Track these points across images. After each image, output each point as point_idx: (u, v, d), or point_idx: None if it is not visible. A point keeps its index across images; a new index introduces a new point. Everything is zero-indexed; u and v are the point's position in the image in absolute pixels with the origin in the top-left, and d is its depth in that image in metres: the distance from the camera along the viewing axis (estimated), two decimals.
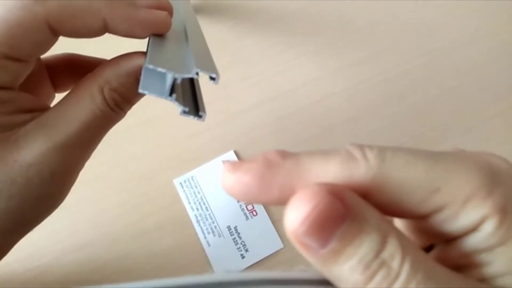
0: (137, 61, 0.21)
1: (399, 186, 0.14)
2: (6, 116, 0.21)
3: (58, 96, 0.27)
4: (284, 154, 0.14)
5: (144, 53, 0.22)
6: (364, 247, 0.13)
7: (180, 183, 0.39)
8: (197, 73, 0.17)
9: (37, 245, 0.37)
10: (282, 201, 0.14)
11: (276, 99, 0.43)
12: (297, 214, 0.13)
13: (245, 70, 0.44)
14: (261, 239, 0.37)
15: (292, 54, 0.45)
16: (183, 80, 0.18)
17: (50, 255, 0.36)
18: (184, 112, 0.18)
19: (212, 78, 0.18)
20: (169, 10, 0.23)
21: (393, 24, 0.47)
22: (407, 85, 0.44)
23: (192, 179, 0.39)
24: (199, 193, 0.39)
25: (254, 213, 0.38)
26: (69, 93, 0.22)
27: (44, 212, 0.23)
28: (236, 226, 0.38)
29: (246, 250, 0.37)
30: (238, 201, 0.38)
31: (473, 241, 0.14)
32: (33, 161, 0.20)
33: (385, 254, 0.13)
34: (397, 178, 0.14)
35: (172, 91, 0.18)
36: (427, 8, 0.48)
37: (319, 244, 0.13)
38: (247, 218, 0.38)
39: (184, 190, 0.39)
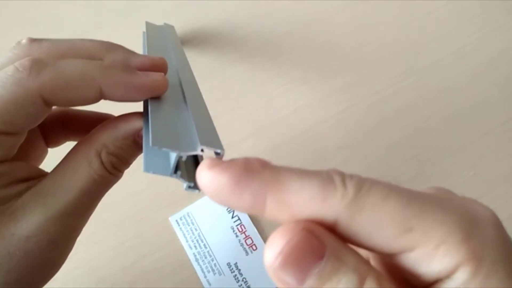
0: (135, 124, 0.21)
1: (371, 220, 0.14)
2: (2, 189, 0.20)
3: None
4: (265, 164, 0.14)
5: (141, 114, 0.22)
6: (341, 287, 0.13)
7: (176, 221, 0.39)
8: (202, 150, 0.17)
9: None
10: (252, 209, 0.14)
11: (268, 128, 0.43)
12: (272, 249, 0.13)
13: (235, 100, 0.44)
14: (263, 274, 0.36)
15: (281, 81, 0.45)
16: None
17: None
18: (189, 187, 0.18)
19: (217, 154, 0.17)
20: (164, 68, 0.22)
21: (380, 45, 0.47)
22: (397, 107, 0.44)
23: (188, 216, 0.39)
24: (196, 230, 0.38)
25: (254, 247, 0.37)
26: (64, 159, 0.21)
27: (43, 279, 0.22)
28: (236, 263, 0.37)
29: (248, 287, 0.36)
30: (235, 235, 0.38)
31: None
32: (31, 233, 0.20)
33: None
34: (370, 211, 0.14)
35: (176, 168, 0.18)
36: (412, 28, 0.48)
37: (295, 280, 0.13)
38: (247, 253, 0.37)
39: (180, 228, 0.38)
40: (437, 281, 0.14)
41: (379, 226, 0.14)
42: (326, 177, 0.14)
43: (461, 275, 0.13)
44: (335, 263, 0.13)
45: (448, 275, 0.14)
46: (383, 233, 0.14)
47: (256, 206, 0.14)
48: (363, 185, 0.14)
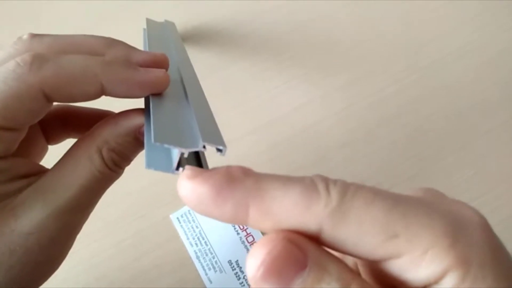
0: (136, 120, 0.21)
1: (355, 227, 0.13)
2: (2, 185, 0.20)
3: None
4: (247, 172, 0.14)
5: (142, 110, 0.21)
6: None
7: (177, 218, 0.38)
8: (204, 146, 0.17)
9: None
10: (235, 220, 0.14)
11: (268, 125, 0.43)
12: (254, 260, 0.13)
13: (236, 97, 0.44)
14: None
15: (282, 78, 0.45)
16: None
17: None
18: None
19: (219, 150, 0.17)
20: (166, 64, 0.22)
21: (381, 43, 0.47)
22: (398, 105, 0.44)
23: (189, 213, 0.39)
24: (197, 227, 0.38)
25: None
26: (65, 155, 0.21)
27: (44, 276, 0.22)
28: (237, 260, 0.37)
29: (250, 285, 0.36)
30: (236, 232, 0.38)
31: None
32: (31, 230, 0.20)
33: None
34: (354, 218, 0.13)
35: (178, 164, 0.18)
36: (414, 26, 0.48)
37: None
38: (248, 250, 0.37)
39: (181, 225, 0.38)
40: (426, 287, 0.14)
41: (364, 233, 0.13)
42: (309, 184, 0.14)
43: (449, 281, 0.13)
44: (318, 272, 0.13)
45: (436, 281, 0.13)
46: (368, 240, 0.13)
47: (239, 216, 0.14)
48: (347, 191, 0.14)
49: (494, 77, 0.45)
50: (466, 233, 0.14)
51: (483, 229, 0.14)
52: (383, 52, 0.46)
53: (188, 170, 0.14)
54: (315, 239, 0.14)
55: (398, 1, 0.49)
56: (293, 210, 0.13)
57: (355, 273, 0.14)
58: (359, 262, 0.18)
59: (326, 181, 0.14)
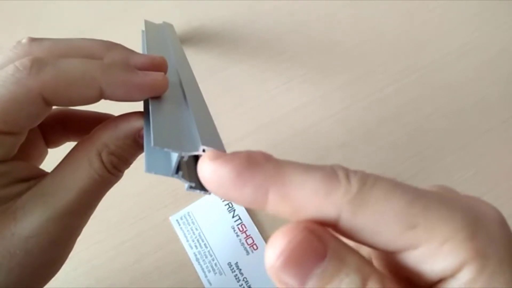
0: (135, 124, 0.21)
1: (374, 216, 0.13)
2: (2, 189, 0.20)
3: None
4: (268, 157, 0.14)
5: (141, 113, 0.21)
6: (343, 287, 0.13)
7: (177, 220, 0.38)
8: (203, 150, 0.17)
9: None
10: (254, 203, 0.14)
11: (268, 126, 0.42)
12: (273, 249, 0.13)
13: (236, 98, 0.44)
14: (263, 274, 0.36)
15: (282, 79, 0.45)
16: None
17: None
18: (191, 187, 0.18)
19: None
20: (164, 67, 0.22)
21: (381, 42, 0.47)
22: (399, 105, 0.43)
23: (189, 215, 0.39)
24: (196, 229, 0.38)
25: (255, 247, 0.37)
26: (65, 158, 0.21)
27: (44, 278, 0.22)
28: (237, 262, 0.37)
29: (249, 287, 0.36)
30: (236, 235, 0.38)
31: None
32: (31, 233, 0.20)
33: None
34: (373, 207, 0.13)
35: (178, 168, 0.18)
36: (414, 25, 0.48)
37: (297, 281, 0.13)
38: (247, 253, 0.37)
39: (181, 227, 0.38)
40: (441, 280, 0.14)
41: (383, 222, 0.13)
42: (330, 172, 0.14)
43: (466, 274, 0.13)
44: (337, 263, 0.13)
45: (452, 274, 0.13)
46: (386, 230, 0.13)
47: (258, 199, 0.14)
48: (367, 180, 0.14)
49: (494, 76, 0.45)
50: (485, 227, 0.14)
51: (501, 224, 0.14)
52: (383, 52, 0.46)
53: (210, 151, 0.15)
54: (333, 227, 0.14)
55: (398, 1, 0.49)
56: (312, 196, 0.14)
57: (373, 265, 0.14)
58: (374, 255, 0.18)
59: (347, 170, 0.14)
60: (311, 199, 0.14)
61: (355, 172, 0.14)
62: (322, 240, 0.13)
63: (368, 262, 0.14)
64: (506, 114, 0.43)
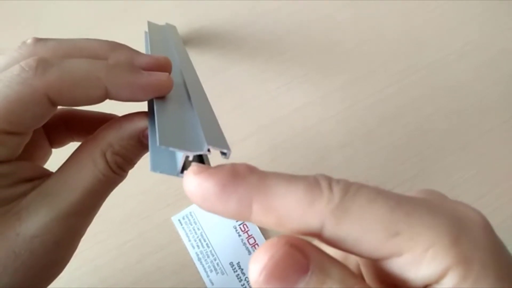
0: (140, 124, 0.21)
1: (357, 224, 0.14)
2: (6, 189, 0.20)
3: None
4: (252, 169, 0.14)
5: (145, 113, 0.22)
6: None
7: (179, 220, 0.39)
8: (208, 150, 0.17)
9: None
10: (238, 215, 0.14)
11: (269, 126, 0.43)
12: (256, 265, 0.13)
13: (237, 98, 0.44)
14: None
15: (282, 80, 0.45)
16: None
17: None
18: None
19: (223, 153, 0.17)
20: (169, 67, 0.22)
21: (381, 42, 0.47)
22: (399, 105, 0.44)
23: (191, 215, 0.39)
24: (198, 229, 0.38)
25: (257, 246, 0.37)
26: (69, 158, 0.21)
27: (48, 278, 0.22)
28: (239, 262, 0.37)
29: (251, 287, 0.36)
30: (238, 234, 0.38)
31: None
32: (36, 233, 0.20)
33: None
34: (356, 215, 0.14)
35: (183, 167, 0.18)
36: (414, 26, 0.48)
37: None
38: (249, 252, 0.37)
39: (183, 227, 0.38)
40: (427, 286, 0.14)
41: (366, 230, 0.14)
42: (313, 182, 0.14)
43: (450, 280, 0.13)
44: (320, 276, 0.13)
45: (437, 280, 0.13)
46: (369, 238, 0.14)
47: (242, 211, 0.14)
48: (349, 189, 0.14)
49: (495, 77, 0.45)
50: (468, 233, 0.14)
51: (485, 229, 0.15)
52: (383, 52, 0.46)
53: (194, 166, 0.15)
54: (318, 236, 0.14)
55: (398, 1, 0.49)
56: (295, 207, 0.14)
57: (357, 277, 0.14)
58: (361, 262, 0.18)
59: (329, 179, 0.14)
60: (294, 210, 0.14)
61: (338, 181, 0.14)
62: (305, 253, 0.13)
63: (352, 273, 0.14)
64: (506, 115, 0.43)
